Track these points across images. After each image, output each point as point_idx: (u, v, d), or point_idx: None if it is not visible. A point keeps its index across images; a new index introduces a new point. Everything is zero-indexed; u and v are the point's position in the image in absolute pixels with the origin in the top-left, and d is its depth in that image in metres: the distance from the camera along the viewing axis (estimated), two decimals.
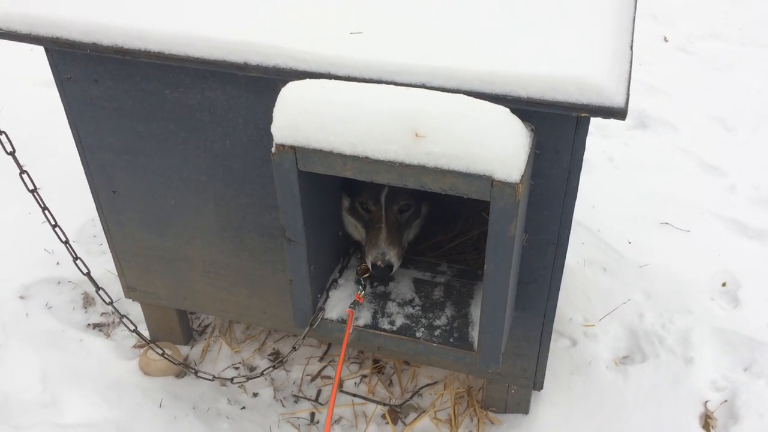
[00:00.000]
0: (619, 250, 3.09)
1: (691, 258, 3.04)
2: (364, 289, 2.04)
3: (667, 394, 2.43)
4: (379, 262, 1.97)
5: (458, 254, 2.33)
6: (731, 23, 5.33)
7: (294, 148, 1.63)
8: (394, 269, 2.01)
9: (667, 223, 3.25)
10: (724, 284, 2.92)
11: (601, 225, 3.21)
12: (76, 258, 2.22)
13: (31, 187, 2.09)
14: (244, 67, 1.73)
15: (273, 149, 1.66)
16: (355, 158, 1.59)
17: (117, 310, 2.32)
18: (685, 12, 5.55)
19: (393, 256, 1.99)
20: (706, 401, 2.41)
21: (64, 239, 2.20)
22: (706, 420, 2.36)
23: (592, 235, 3.16)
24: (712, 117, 4.10)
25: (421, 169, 1.55)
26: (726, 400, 2.42)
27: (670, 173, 3.61)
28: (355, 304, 1.99)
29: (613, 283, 2.92)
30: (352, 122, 1.57)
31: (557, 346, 2.61)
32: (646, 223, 3.25)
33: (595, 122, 1.68)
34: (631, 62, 1.69)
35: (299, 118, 1.61)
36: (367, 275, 2.08)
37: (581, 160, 1.70)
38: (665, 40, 5.10)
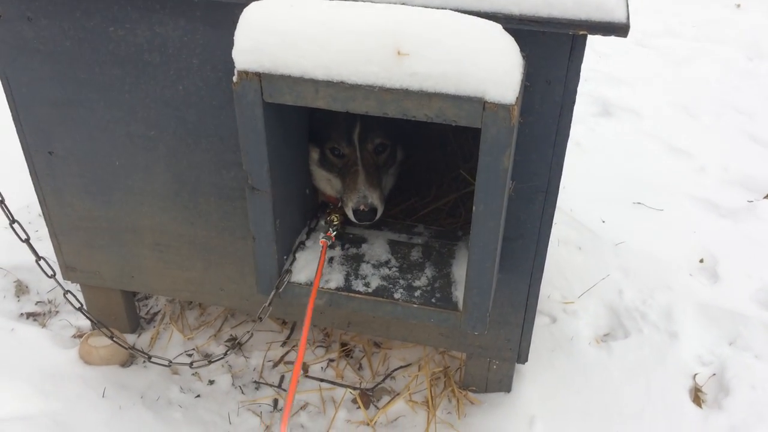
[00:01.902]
0: (593, 230, 2.97)
1: (666, 236, 2.94)
2: (335, 230, 1.85)
3: (655, 369, 2.30)
4: (361, 206, 1.79)
5: (433, 221, 2.16)
6: (685, 21, 5.37)
7: (259, 75, 1.44)
8: (379, 213, 1.83)
9: (639, 203, 3.15)
10: (701, 261, 2.82)
11: (573, 205, 3.09)
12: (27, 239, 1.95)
13: None
14: None
15: (234, 78, 1.47)
16: (329, 83, 1.41)
17: (60, 285, 2.03)
18: (638, 11, 5.56)
19: (376, 199, 1.81)
20: (695, 374, 2.28)
21: (11, 219, 1.93)
22: (696, 393, 2.23)
23: (564, 215, 3.03)
24: (675, 105, 4.07)
25: (404, 93, 1.38)
26: (714, 374, 2.30)
27: (638, 156, 3.53)
28: (327, 239, 1.82)
29: (589, 262, 2.79)
30: (325, 42, 1.40)
31: (536, 323, 2.43)
32: (618, 203, 3.15)
33: None
34: None
35: (265, 39, 1.42)
36: (337, 222, 1.89)
37: (575, 94, 1.56)
38: None
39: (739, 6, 5.80)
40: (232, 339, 2.45)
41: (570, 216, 3.04)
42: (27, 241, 1.95)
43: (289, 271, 1.79)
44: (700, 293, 2.63)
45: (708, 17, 5.50)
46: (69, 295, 2.02)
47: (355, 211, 1.81)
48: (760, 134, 3.75)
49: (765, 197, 3.21)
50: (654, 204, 3.14)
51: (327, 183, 1.94)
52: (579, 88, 1.55)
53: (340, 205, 1.98)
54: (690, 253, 2.86)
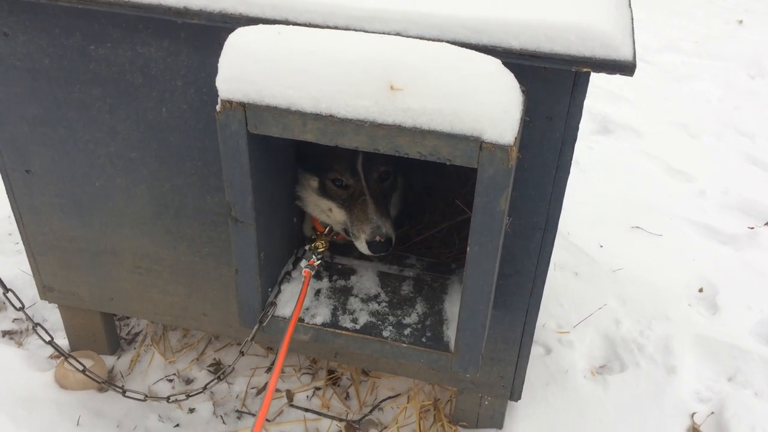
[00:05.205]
0: (591, 254, 2.90)
1: (664, 263, 2.87)
2: (319, 259, 1.78)
3: (651, 406, 2.22)
4: (377, 238, 1.71)
5: (426, 249, 2.09)
6: (686, 37, 5.32)
7: (243, 105, 1.36)
8: (393, 243, 1.75)
9: (638, 227, 3.08)
10: (700, 290, 2.75)
11: (571, 228, 3.02)
12: None
13: None
14: (185, 13, 1.46)
15: (218, 107, 1.39)
16: (317, 117, 1.33)
17: (29, 317, 1.96)
18: (639, 25, 5.50)
19: (389, 228, 1.74)
20: (693, 413, 2.21)
21: None
22: None
23: (561, 238, 2.96)
24: (676, 124, 4.01)
25: (397, 130, 1.30)
26: (713, 412, 2.22)
27: (637, 177, 3.46)
28: (310, 268, 1.75)
29: (586, 288, 2.72)
30: (314, 73, 1.32)
31: (531, 354, 2.36)
32: (616, 226, 3.08)
33: None
34: (632, 18, 1.50)
35: (250, 68, 1.34)
36: (322, 249, 1.81)
37: (577, 130, 1.48)
38: None
39: (741, 22, 5.75)
40: (215, 363, 2.36)
41: (567, 240, 2.96)
42: None
43: (273, 304, 1.71)
44: (699, 325, 2.56)
45: (710, 33, 5.46)
46: (39, 329, 1.92)
47: (370, 243, 1.72)
48: (761, 157, 3.69)
49: (766, 224, 3.14)
50: (653, 228, 3.07)
51: (326, 213, 1.84)
52: None
53: (326, 231, 1.90)
54: (689, 281, 2.79)
